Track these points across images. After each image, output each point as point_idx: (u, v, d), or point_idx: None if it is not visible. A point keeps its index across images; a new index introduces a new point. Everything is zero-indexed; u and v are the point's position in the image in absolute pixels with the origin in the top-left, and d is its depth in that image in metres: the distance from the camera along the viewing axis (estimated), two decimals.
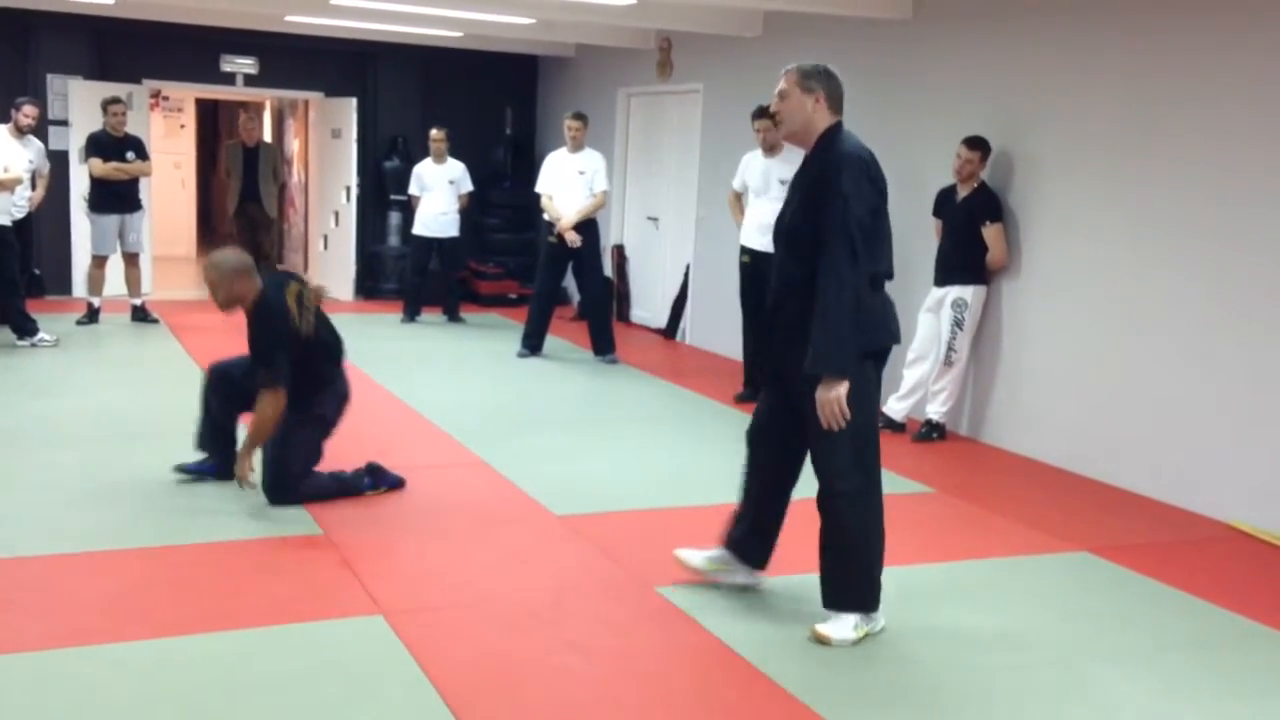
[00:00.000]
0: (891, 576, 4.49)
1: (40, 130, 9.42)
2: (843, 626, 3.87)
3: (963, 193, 6.59)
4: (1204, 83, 5.53)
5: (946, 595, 4.37)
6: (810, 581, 4.40)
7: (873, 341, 3.76)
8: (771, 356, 4.03)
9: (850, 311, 3.63)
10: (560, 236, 8.62)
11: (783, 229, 3.92)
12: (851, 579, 3.89)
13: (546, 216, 8.88)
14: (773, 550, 4.24)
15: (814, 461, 3.90)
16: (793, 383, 3.84)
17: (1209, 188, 5.53)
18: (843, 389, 3.64)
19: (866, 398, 3.78)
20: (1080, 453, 6.19)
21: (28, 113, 8.68)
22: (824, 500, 3.87)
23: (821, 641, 3.85)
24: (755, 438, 4.17)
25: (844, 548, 3.87)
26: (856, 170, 3.69)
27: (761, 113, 7.18)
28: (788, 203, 3.94)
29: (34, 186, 8.97)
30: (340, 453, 5.98)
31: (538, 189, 8.98)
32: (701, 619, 3.97)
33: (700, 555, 4.30)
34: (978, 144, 6.51)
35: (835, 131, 3.83)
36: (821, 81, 3.83)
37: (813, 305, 3.67)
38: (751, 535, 4.22)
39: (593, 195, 8.69)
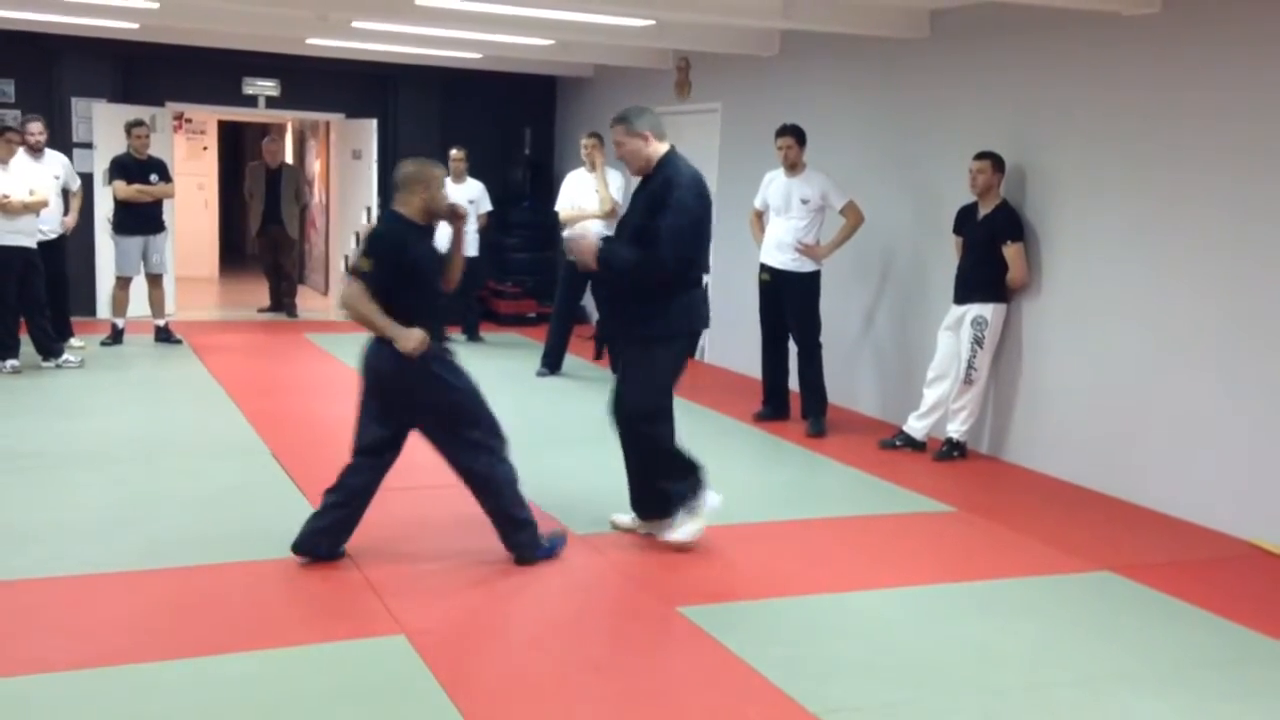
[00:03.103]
0: (914, 595, 4.51)
1: (65, 152, 9.49)
2: (685, 530, 4.80)
3: (984, 210, 6.59)
4: (1224, 99, 5.52)
5: (968, 614, 4.36)
6: (833, 602, 4.41)
7: (682, 326, 4.77)
8: (616, 329, 4.92)
9: (639, 272, 4.61)
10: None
11: (628, 228, 4.77)
12: (669, 486, 4.81)
13: (566, 233, 8.89)
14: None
15: (619, 398, 4.78)
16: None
17: (1230, 205, 5.51)
18: (593, 254, 4.65)
19: (670, 365, 4.80)
20: (1101, 471, 6.17)
21: (33, 129, 8.70)
22: (631, 430, 4.78)
23: (682, 549, 4.78)
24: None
25: (655, 462, 4.79)
26: (686, 190, 4.63)
27: (785, 131, 7.21)
28: (632, 209, 4.82)
29: (66, 207, 8.93)
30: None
31: (556, 208, 9.02)
32: (723, 638, 3.97)
33: (627, 518, 5.09)
34: (985, 155, 6.51)
35: (670, 155, 4.74)
36: (645, 122, 4.70)
37: (651, 288, 4.65)
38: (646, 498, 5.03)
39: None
